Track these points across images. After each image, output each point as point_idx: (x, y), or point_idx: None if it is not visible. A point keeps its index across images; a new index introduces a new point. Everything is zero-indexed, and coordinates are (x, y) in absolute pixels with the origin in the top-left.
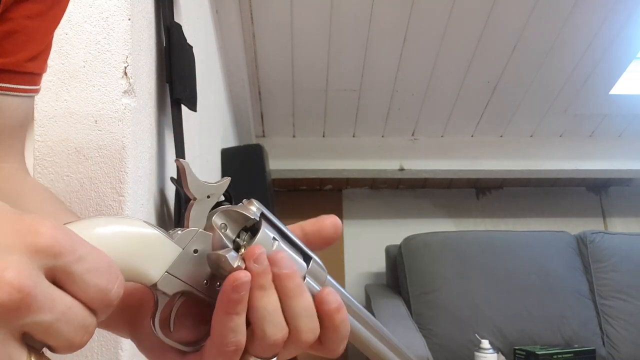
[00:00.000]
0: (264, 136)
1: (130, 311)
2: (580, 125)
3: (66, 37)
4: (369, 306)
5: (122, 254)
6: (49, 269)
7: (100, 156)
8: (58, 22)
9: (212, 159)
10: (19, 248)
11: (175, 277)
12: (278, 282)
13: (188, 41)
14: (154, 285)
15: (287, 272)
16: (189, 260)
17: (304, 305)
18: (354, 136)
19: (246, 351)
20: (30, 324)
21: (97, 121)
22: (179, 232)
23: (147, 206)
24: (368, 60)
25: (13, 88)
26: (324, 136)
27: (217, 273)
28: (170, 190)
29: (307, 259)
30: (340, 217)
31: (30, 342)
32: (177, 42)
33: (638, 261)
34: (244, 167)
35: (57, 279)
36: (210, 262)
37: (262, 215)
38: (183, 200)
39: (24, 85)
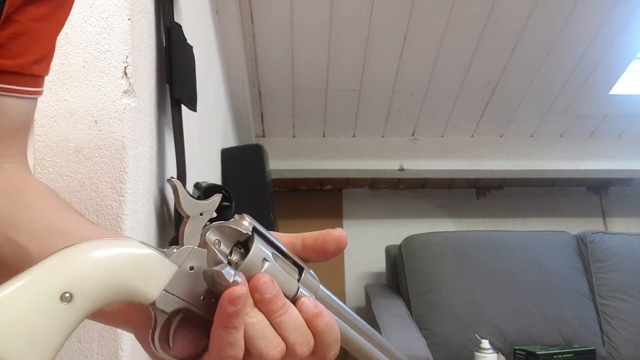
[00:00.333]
0: (264, 136)
1: (137, 315)
2: (580, 125)
3: (66, 37)
4: (369, 306)
5: (119, 276)
6: None
7: (100, 156)
8: (63, 25)
9: (212, 159)
10: None
11: (173, 294)
12: (261, 306)
13: (188, 41)
14: (153, 304)
15: (268, 297)
16: (186, 278)
17: (292, 320)
18: (354, 136)
19: None
20: None
21: (97, 121)
22: (175, 250)
23: (147, 206)
24: (368, 60)
25: (19, 90)
26: (324, 136)
27: (214, 289)
28: (170, 191)
29: (300, 270)
30: (340, 217)
31: None
32: (177, 42)
33: (638, 261)
34: (244, 167)
35: None
36: (206, 278)
37: (255, 229)
38: None
39: (29, 87)
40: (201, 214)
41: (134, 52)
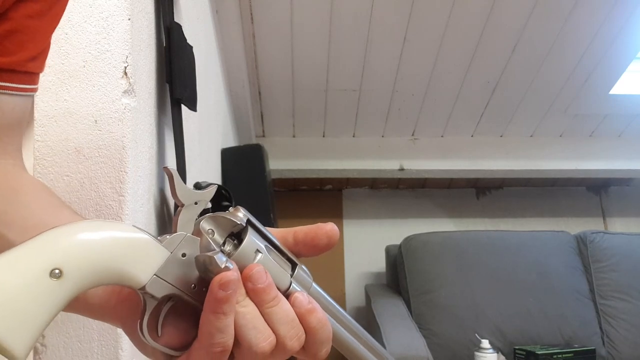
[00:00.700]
0: (264, 136)
1: (125, 306)
2: (580, 125)
3: (66, 37)
4: (369, 306)
5: (111, 256)
6: None
7: (100, 156)
8: (58, 22)
9: (212, 159)
10: None
11: (164, 280)
12: (253, 296)
13: (188, 41)
14: (143, 288)
15: (261, 287)
16: (177, 264)
17: (283, 312)
18: (354, 136)
19: None
20: None
21: (97, 121)
22: (168, 236)
23: (147, 206)
24: (368, 60)
25: (13, 87)
26: (324, 136)
27: (205, 276)
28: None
29: (293, 265)
30: (340, 217)
31: None
32: (177, 42)
33: (638, 261)
34: (244, 167)
35: None
36: (198, 264)
37: (249, 222)
38: None
39: (24, 84)
40: (196, 203)
41: (134, 52)
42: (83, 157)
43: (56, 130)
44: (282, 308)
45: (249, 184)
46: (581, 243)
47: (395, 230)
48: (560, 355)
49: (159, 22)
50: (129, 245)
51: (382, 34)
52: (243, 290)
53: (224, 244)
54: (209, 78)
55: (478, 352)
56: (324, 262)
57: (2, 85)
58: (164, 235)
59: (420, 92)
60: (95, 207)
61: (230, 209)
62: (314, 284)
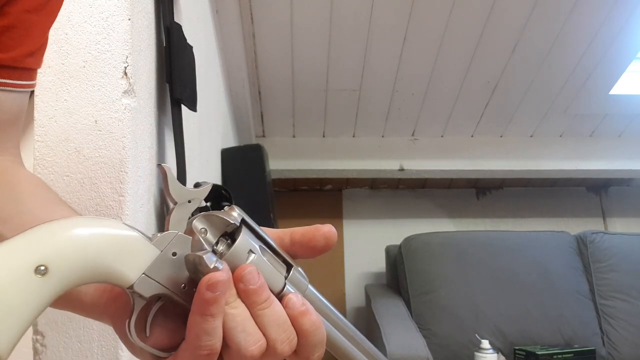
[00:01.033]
0: (264, 136)
1: (115, 304)
2: (580, 125)
3: (66, 37)
4: (369, 306)
5: (99, 254)
6: None
7: (100, 156)
8: (55, 16)
9: (212, 159)
10: None
11: (153, 279)
12: (244, 298)
13: (188, 41)
14: (131, 287)
15: (252, 288)
16: (167, 263)
17: (274, 315)
18: (354, 136)
19: None
20: None
21: (97, 121)
22: (159, 235)
23: (147, 206)
24: (368, 60)
25: (11, 84)
26: (324, 136)
27: (195, 276)
28: None
29: (289, 267)
30: (340, 217)
31: None
32: (177, 42)
33: (638, 261)
34: (244, 167)
35: None
36: (187, 264)
37: (243, 221)
38: None
39: (22, 80)
40: (189, 202)
41: (134, 52)
42: (83, 157)
43: (56, 130)
44: (274, 310)
45: (249, 184)
46: (581, 243)
47: (395, 230)
48: (560, 356)
49: (159, 22)
50: (117, 242)
51: (382, 34)
52: (234, 291)
53: (217, 243)
54: (209, 78)
55: (478, 352)
56: (324, 262)
57: (0, 82)
58: (155, 233)
59: (420, 92)
60: (95, 208)
61: (226, 207)
62: (309, 286)
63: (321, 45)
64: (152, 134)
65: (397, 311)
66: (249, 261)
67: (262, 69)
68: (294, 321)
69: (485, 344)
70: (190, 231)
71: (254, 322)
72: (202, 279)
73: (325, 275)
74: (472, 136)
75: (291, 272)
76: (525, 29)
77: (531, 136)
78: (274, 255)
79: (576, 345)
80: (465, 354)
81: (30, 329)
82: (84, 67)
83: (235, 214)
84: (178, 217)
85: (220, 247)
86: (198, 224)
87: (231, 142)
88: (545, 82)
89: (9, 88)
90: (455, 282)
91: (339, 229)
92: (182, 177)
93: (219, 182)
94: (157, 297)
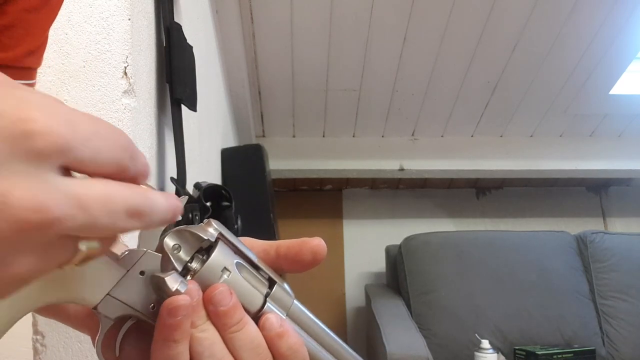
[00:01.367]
0: (264, 136)
1: (94, 321)
2: (580, 125)
3: (66, 37)
4: (369, 306)
5: (60, 274)
6: (58, 168)
7: None
8: (55, 15)
9: (212, 159)
10: (13, 158)
11: (118, 299)
12: (215, 320)
13: (188, 41)
14: (95, 308)
15: (223, 310)
16: (135, 283)
17: (247, 338)
18: (354, 136)
19: None
20: (71, 232)
21: None
22: (127, 252)
23: None
24: (368, 60)
25: None
26: (324, 136)
27: (160, 297)
28: (170, 191)
29: (272, 283)
30: (340, 217)
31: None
32: (177, 42)
33: (638, 261)
34: (244, 167)
35: (67, 171)
36: (153, 285)
37: (220, 236)
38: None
39: (22, 80)
40: None
41: (134, 52)
42: None
43: None
44: (247, 333)
45: (249, 184)
46: (581, 243)
47: (395, 230)
48: (560, 356)
49: (159, 22)
50: None
51: (382, 34)
52: (203, 313)
53: (191, 260)
54: (209, 78)
55: (478, 352)
56: (324, 262)
57: None
58: (124, 251)
59: (420, 92)
60: None
61: (204, 221)
62: (295, 302)
63: (321, 45)
64: (152, 133)
65: (397, 311)
66: (221, 280)
67: (262, 69)
68: (271, 344)
69: (485, 343)
70: (161, 248)
71: (223, 346)
72: (163, 303)
73: (325, 275)
74: (472, 136)
75: (274, 288)
76: (525, 29)
77: (531, 136)
78: (253, 272)
79: (576, 345)
80: (465, 354)
81: (30, 329)
82: (84, 67)
83: (211, 230)
84: (149, 232)
85: (194, 265)
86: (170, 240)
87: (231, 142)
88: (545, 82)
89: None
90: (455, 282)
91: (339, 229)
92: (182, 177)
93: (219, 182)
94: (125, 317)
